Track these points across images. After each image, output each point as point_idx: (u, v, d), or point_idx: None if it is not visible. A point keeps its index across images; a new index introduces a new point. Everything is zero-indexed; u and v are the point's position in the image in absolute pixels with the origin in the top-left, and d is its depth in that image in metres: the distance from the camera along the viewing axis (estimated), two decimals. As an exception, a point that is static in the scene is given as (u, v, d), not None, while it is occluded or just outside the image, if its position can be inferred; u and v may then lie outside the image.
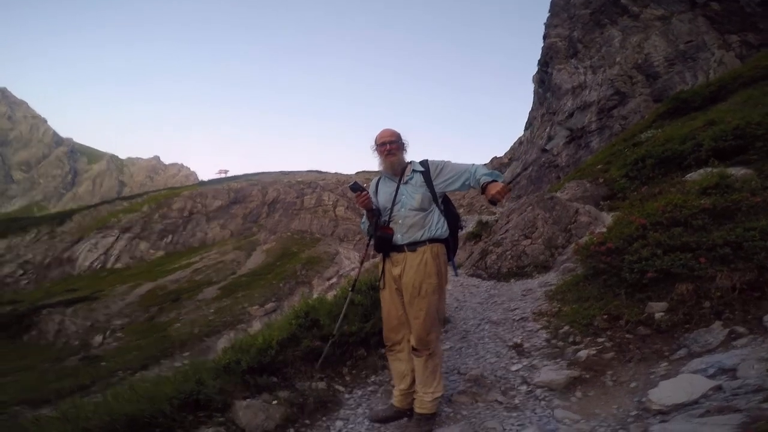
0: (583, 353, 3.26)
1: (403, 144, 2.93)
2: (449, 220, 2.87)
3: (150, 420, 2.40)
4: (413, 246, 2.73)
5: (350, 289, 3.34)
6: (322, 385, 3.26)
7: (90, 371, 18.40)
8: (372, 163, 2.86)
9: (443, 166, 2.84)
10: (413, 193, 2.78)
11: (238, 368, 3.04)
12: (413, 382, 2.80)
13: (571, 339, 3.58)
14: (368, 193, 2.82)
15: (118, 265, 43.39)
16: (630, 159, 8.43)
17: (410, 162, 2.92)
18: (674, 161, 7.16)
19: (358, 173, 64.56)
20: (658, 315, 3.26)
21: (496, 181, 2.58)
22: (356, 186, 2.75)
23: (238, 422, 2.69)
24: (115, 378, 16.35)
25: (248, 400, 2.84)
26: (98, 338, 24.79)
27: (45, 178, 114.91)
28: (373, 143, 2.92)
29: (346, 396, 3.29)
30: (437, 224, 2.77)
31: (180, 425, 2.49)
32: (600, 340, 3.37)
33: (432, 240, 2.74)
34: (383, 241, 2.79)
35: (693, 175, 5.81)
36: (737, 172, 4.95)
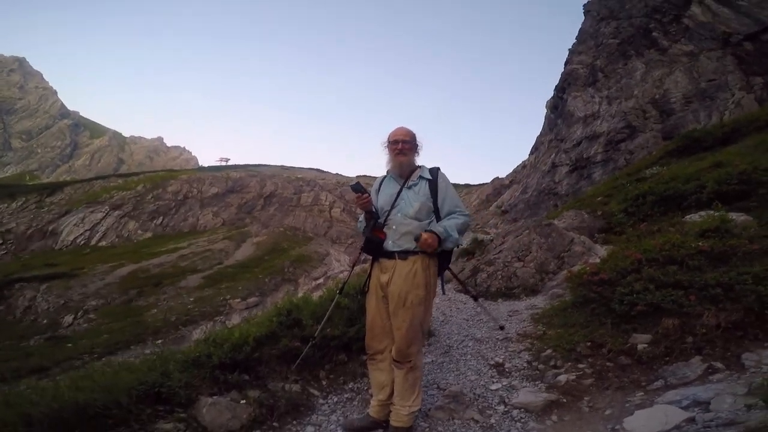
0: (562, 377, 3.26)
1: (417, 146, 2.85)
2: None
3: (102, 410, 2.26)
4: (404, 254, 2.65)
5: (338, 291, 3.25)
6: (296, 387, 3.16)
7: (53, 352, 17.71)
8: (373, 167, 2.79)
9: (447, 193, 2.75)
10: (413, 200, 2.70)
11: (209, 362, 2.92)
12: (392, 393, 2.72)
13: (552, 363, 3.59)
14: (369, 195, 2.73)
15: (103, 243, 42.77)
16: (631, 194, 8.42)
17: (420, 166, 2.84)
18: (675, 200, 7.16)
19: (358, 176, 64.70)
20: (640, 346, 3.29)
21: (434, 232, 2.57)
22: (358, 187, 2.66)
23: (200, 419, 2.57)
24: (79, 361, 15.71)
25: (215, 397, 2.73)
26: (69, 318, 24.02)
27: (43, 148, 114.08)
28: (385, 140, 2.84)
29: (321, 401, 3.19)
30: None
31: (136, 418, 2.36)
32: (581, 366, 3.39)
33: (424, 251, 2.65)
34: (372, 245, 2.71)
35: (693, 217, 5.83)
36: (737, 217, 4.99)
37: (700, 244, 3.91)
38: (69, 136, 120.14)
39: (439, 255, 2.73)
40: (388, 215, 2.72)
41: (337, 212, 49.83)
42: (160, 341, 18.83)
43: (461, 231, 2.66)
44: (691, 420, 2.24)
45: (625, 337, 3.45)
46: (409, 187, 2.75)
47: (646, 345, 3.27)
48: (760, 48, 19.20)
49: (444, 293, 2.96)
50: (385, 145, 2.84)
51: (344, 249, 41.80)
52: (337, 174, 67.87)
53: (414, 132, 2.84)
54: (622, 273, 3.90)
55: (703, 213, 5.65)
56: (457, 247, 2.92)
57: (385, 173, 2.95)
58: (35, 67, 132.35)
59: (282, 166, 70.74)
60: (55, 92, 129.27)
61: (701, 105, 19.96)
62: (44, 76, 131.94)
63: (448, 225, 2.62)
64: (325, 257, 37.18)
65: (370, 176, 61.99)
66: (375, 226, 2.72)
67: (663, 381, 2.91)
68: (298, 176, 58.45)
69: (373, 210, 2.76)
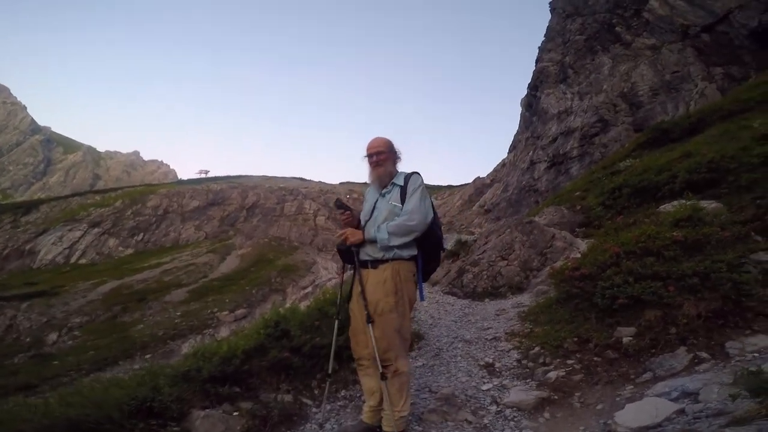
0: (552, 374, 3.30)
1: (394, 154, 2.87)
2: (428, 242, 2.77)
3: (95, 426, 2.24)
4: (375, 263, 2.69)
5: (338, 313, 3.03)
6: (288, 397, 3.15)
7: (39, 370, 17.33)
8: (357, 173, 2.81)
9: (410, 197, 2.71)
10: (383, 208, 2.74)
11: (199, 376, 2.90)
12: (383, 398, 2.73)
13: (541, 360, 3.64)
14: (350, 213, 2.79)
15: (83, 261, 41.62)
16: (607, 187, 8.61)
17: (399, 173, 2.86)
18: (649, 191, 7.35)
19: (342, 183, 64.40)
20: (626, 339, 3.34)
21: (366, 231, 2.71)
22: (339, 204, 2.74)
23: (194, 432, 2.56)
24: (66, 378, 15.43)
25: (207, 410, 2.72)
26: (53, 336, 23.38)
27: (15, 165, 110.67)
28: (363, 153, 2.87)
29: (314, 410, 3.18)
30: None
31: (128, 433, 2.34)
32: (569, 362, 3.43)
33: (394, 258, 2.68)
34: (344, 254, 2.79)
35: (667, 207, 5.97)
36: (709, 205, 5.13)
37: (674, 234, 4.00)
38: (41, 153, 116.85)
39: (411, 259, 2.74)
40: (365, 226, 2.77)
41: (322, 220, 49.52)
42: (148, 356, 18.45)
43: (396, 232, 2.63)
44: (681, 411, 2.27)
45: (610, 330, 3.50)
46: (383, 196, 2.80)
47: (631, 338, 3.32)
48: (716, 39, 19.85)
49: (422, 299, 2.96)
50: (364, 158, 2.87)
51: (331, 257, 41.49)
52: (320, 182, 67.44)
53: (389, 141, 2.88)
54: (602, 267, 3.97)
55: (676, 203, 5.79)
56: (443, 250, 2.96)
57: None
58: (1, 82, 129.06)
59: (263, 176, 69.95)
60: (25, 107, 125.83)
61: (668, 96, 20.53)
62: (12, 91, 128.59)
63: (383, 226, 2.67)
64: (312, 266, 36.84)
65: (353, 182, 61.80)
66: None
67: (651, 373, 2.96)
68: (281, 186, 57.85)
69: (359, 224, 2.81)
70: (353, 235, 2.70)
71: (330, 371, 2.98)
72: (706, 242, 3.88)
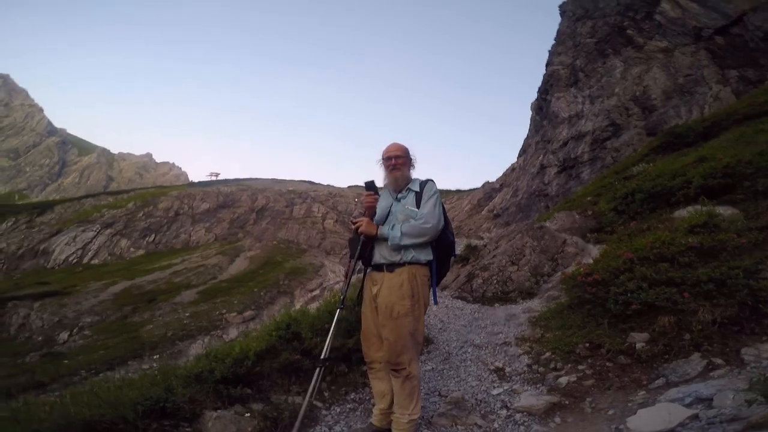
0: (563, 379, 3.29)
1: (411, 160, 2.92)
2: (440, 246, 2.81)
3: (110, 426, 2.27)
4: (392, 267, 2.72)
5: (340, 306, 3.10)
6: (299, 399, 3.16)
7: (50, 368, 17.60)
8: (365, 178, 2.85)
9: (426, 203, 2.75)
10: (399, 213, 2.77)
11: (211, 377, 2.93)
12: (393, 401, 2.74)
13: (552, 365, 3.62)
14: (378, 197, 2.84)
15: (95, 261, 42.32)
16: (620, 192, 8.48)
17: (414, 179, 2.91)
18: (663, 197, 7.22)
19: (350, 187, 64.60)
20: (639, 345, 3.32)
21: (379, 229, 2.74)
22: (372, 185, 2.79)
23: (206, 433, 2.58)
24: (77, 377, 15.67)
25: (219, 411, 2.74)
26: (64, 335, 23.74)
27: (31, 166, 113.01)
28: (380, 157, 2.91)
29: (324, 412, 3.20)
30: (417, 247, 2.73)
31: (142, 433, 2.36)
32: (581, 367, 3.42)
33: (411, 262, 2.70)
34: (350, 245, 2.84)
35: (681, 213, 5.89)
36: (725, 211, 5.05)
37: (689, 240, 3.96)
38: (57, 154, 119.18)
39: (426, 263, 2.76)
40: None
41: (330, 223, 49.69)
42: (157, 356, 18.65)
43: (409, 233, 2.66)
44: (695, 417, 2.25)
45: (622, 336, 3.48)
46: (399, 200, 2.84)
47: (644, 344, 3.30)
48: (731, 41, 19.46)
49: (436, 303, 2.96)
50: (380, 162, 2.91)
51: (338, 260, 41.62)
52: (328, 185, 67.76)
53: (406, 147, 2.92)
54: (615, 273, 3.95)
55: (690, 208, 5.70)
56: (454, 256, 2.97)
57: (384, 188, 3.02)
58: (20, 84, 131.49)
59: (273, 179, 70.49)
60: (41, 109, 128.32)
61: (681, 100, 20.16)
62: (29, 93, 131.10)
63: (397, 225, 2.71)
64: (320, 269, 36.93)
65: (362, 186, 62.08)
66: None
67: (664, 379, 2.93)
68: (290, 189, 58.23)
69: (374, 213, 2.84)
70: (366, 226, 2.73)
71: (324, 356, 2.64)
72: (722, 249, 3.84)
